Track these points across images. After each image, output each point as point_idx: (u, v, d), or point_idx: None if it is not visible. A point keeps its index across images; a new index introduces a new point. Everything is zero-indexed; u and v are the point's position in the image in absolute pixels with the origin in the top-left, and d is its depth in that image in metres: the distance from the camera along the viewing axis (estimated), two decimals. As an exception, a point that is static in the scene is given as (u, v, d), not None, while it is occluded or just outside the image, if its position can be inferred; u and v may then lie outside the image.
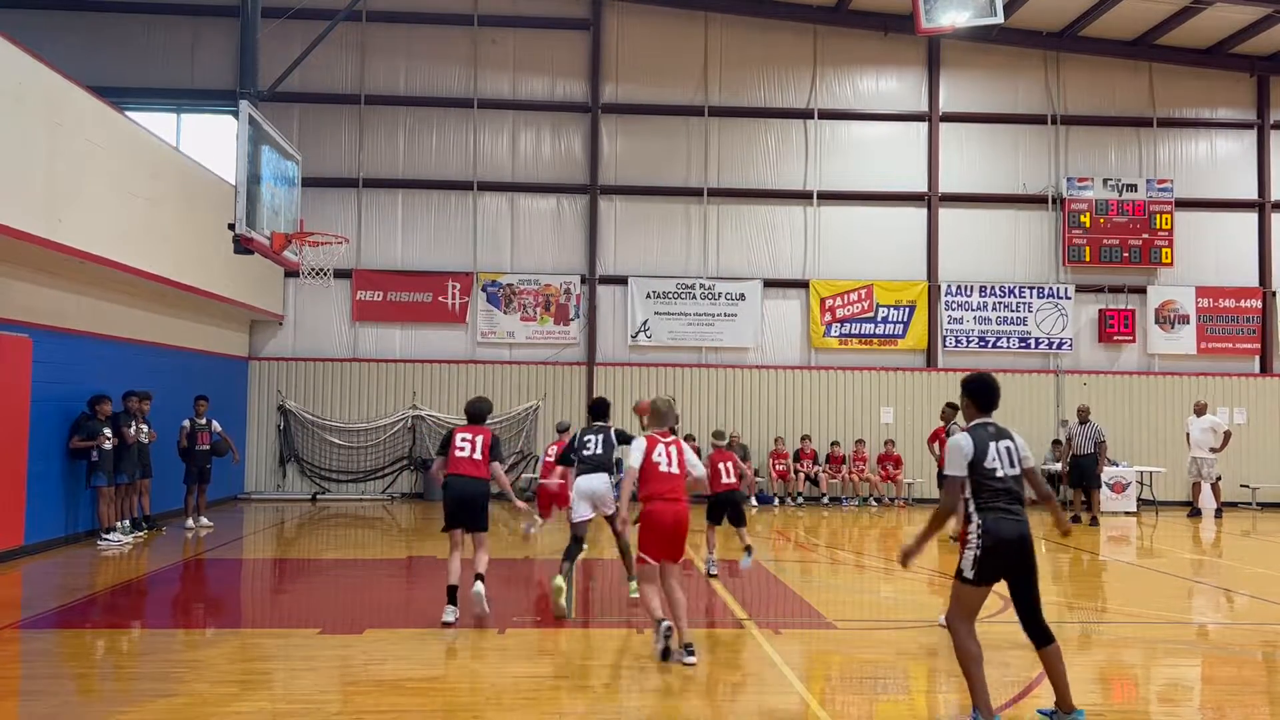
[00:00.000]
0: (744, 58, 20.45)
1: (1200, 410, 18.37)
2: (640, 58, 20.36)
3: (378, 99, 20.00)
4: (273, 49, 15.66)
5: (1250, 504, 19.35)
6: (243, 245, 11.62)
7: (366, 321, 19.74)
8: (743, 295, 20.09)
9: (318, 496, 19.06)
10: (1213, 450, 17.95)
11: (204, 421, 14.69)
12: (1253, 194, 20.79)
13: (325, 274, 14.02)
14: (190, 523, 14.50)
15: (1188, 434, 18.41)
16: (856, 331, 20.16)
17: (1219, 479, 18.15)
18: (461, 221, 20.05)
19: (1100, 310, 20.40)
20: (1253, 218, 20.79)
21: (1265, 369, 20.53)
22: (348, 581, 10.56)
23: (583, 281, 20.01)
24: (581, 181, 20.16)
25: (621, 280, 20.06)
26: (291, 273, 17.09)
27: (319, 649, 7.37)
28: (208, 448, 14.70)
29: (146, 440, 13.50)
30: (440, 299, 19.79)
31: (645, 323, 20.01)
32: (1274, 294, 20.58)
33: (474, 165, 20.11)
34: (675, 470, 7.09)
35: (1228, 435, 18.04)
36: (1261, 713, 6.26)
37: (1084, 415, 17.32)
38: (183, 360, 16.07)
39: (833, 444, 19.53)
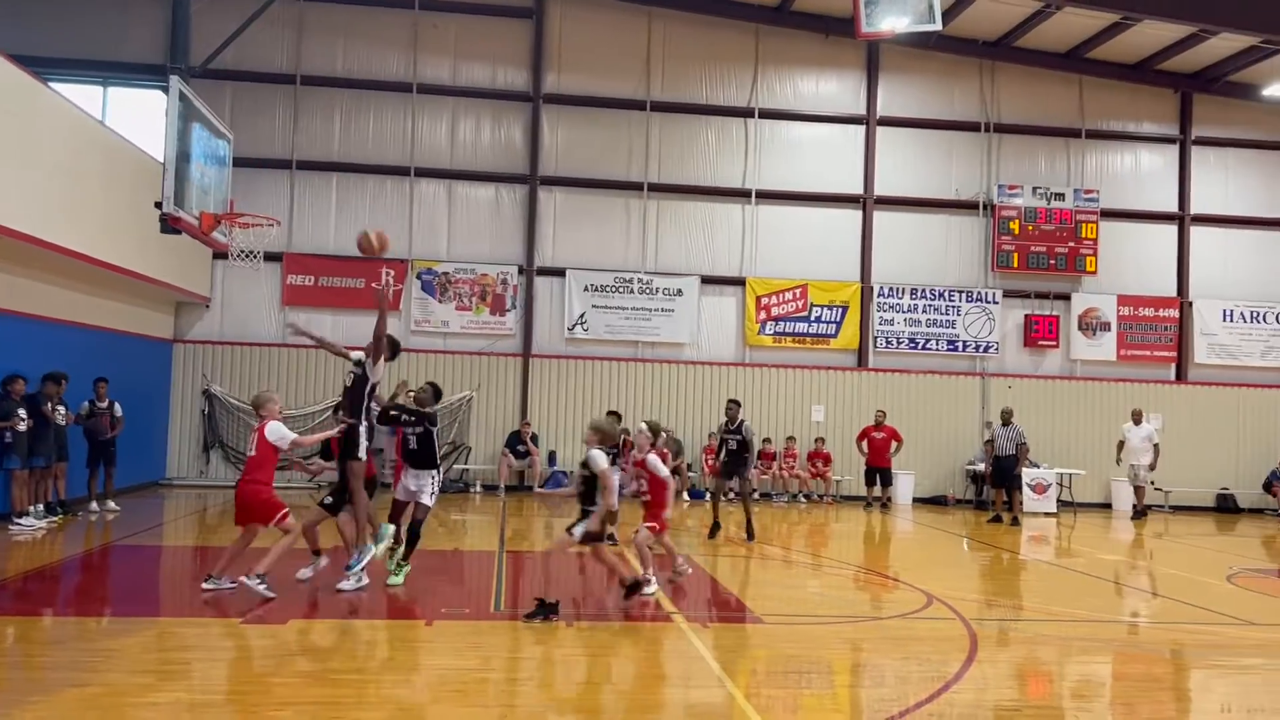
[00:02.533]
0: (686, 54, 20.50)
1: (1138, 419, 18.97)
2: (583, 49, 20.28)
3: (314, 80, 19.62)
4: (206, 24, 15.28)
5: (1163, 507, 20.00)
6: (170, 225, 11.33)
7: (297, 306, 19.37)
8: (680, 291, 20.16)
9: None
10: (1150, 467, 18.65)
11: (105, 404, 14.29)
12: (1173, 207, 21.47)
13: (255, 256, 13.72)
14: (95, 506, 14.10)
15: (1121, 441, 19.00)
16: (791, 330, 20.37)
17: (1150, 483, 18.86)
18: (397, 207, 19.79)
19: (1026, 315, 20.90)
20: (1173, 230, 21.47)
21: (1181, 377, 21.23)
22: (271, 572, 10.34)
23: (520, 272, 19.89)
24: (521, 171, 20.03)
25: (559, 272, 19.99)
26: (220, 254, 16.72)
27: (241, 639, 7.23)
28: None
29: (63, 423, 13.10)
30: (374, 285, 19.51)
31: (583, 315, 19.98)
32: (1190, 304, 21.28)
33: (412, 151, 19.85)
34: None
35: (1157, 449, 18.69)
36: (1169, 709, 6.49)
37: (1007, 418, 17.76)
38: (103, 341, 15.58)
39: (765, 440, 19.71)
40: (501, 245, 19.98)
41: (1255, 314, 21.37)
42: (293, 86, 19.51)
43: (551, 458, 19.58)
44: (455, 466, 19.01)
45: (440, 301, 19.70)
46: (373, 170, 19.73)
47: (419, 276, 19.67)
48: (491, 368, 19.67)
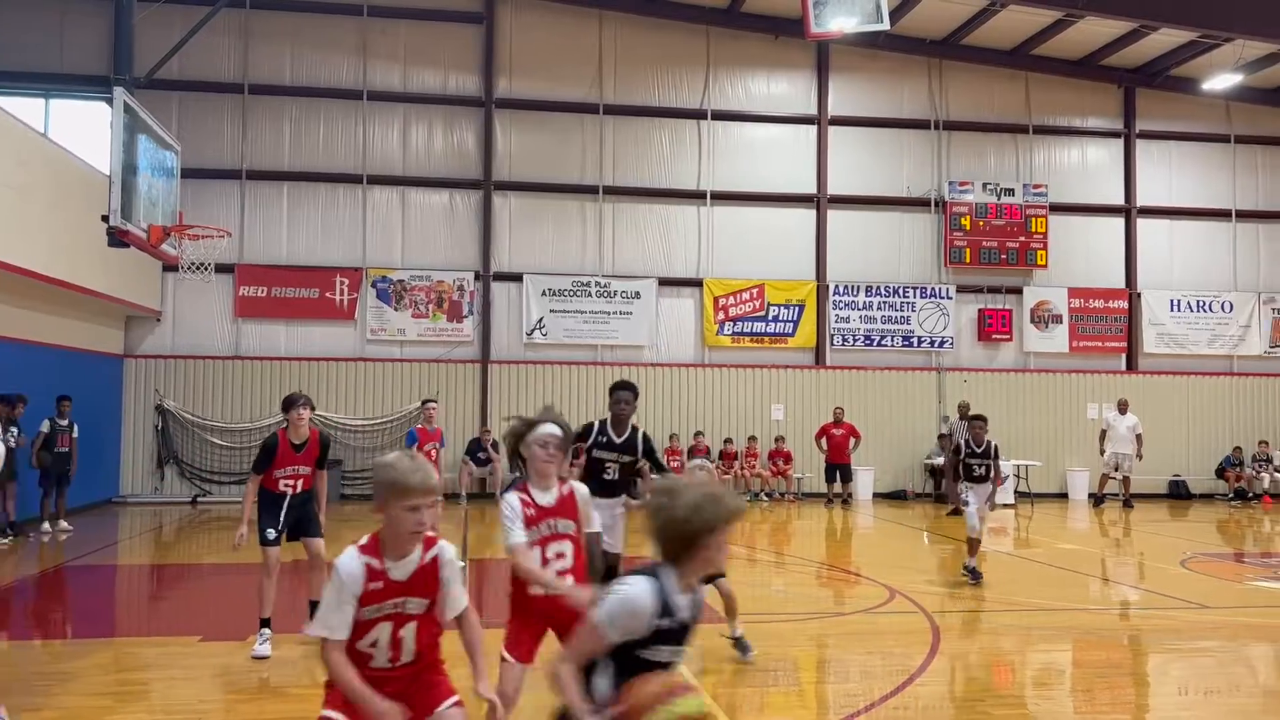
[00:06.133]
0: (638, 56, 20.54)
1: (1123, 408, 19.32)
2: (534, 53, 20.24)
3: (263, 88, 19.38)
4: (150, 34, 15.02)
5: (1118, 495, 20.34)
6: (118, 238, 11.12)
7: (250, 318, 19.11)
8: (638, 293, 20.18)
9: (198, 499, 18.37)
10: (1137, 456, 18.95)
11: (65, 423, 14.04)
12: (1120, 200, 21.87)
13: (206, 269, 13.52)
14: (47, 526, 13.81)
15: (1104, 430, 19.31)
16: (748, 330, 20.46)
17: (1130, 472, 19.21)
18: (350, 215, 19.60)
19: (979, 310, 21.17)
20: (1120, 222, 21.87)
21: (1131, 367, 21.62)
22: (230, 587, 10.20)
23: (476, 278, 19.79)
24: (475, 176, 19.93)
25: (516, 277, 19.92)
26: (170, 267, 16.44)
27: (200, 657, 7.11)
28: (67, 450, 14.06)
29: (14, 444, 12.81)
30: (328, 295, 19.31)
31: (541, 320, 19.92)
32: (1139, 295, 21.68)
33: (363, 158, 19.68)
34: None
35: (1140, 439, 19.04)
36: (1128, 693, 6.60)
37: (964, 411, 17.96)
38: (52, 358, 15.27)
39: (726, 440, 19.77)
40: (457, 251, 19.86)
41: (1201, 303, 21.82)
42: (241, 95, 19.26)
43: (513, 463, 19.45)
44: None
45: (396, 309, 19.55)
46: (324, 178, 19.53)
47: (374, 285, 19.50)
48: (450, 375, 19.54)
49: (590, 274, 20.09)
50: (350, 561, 3.40)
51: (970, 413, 14.46)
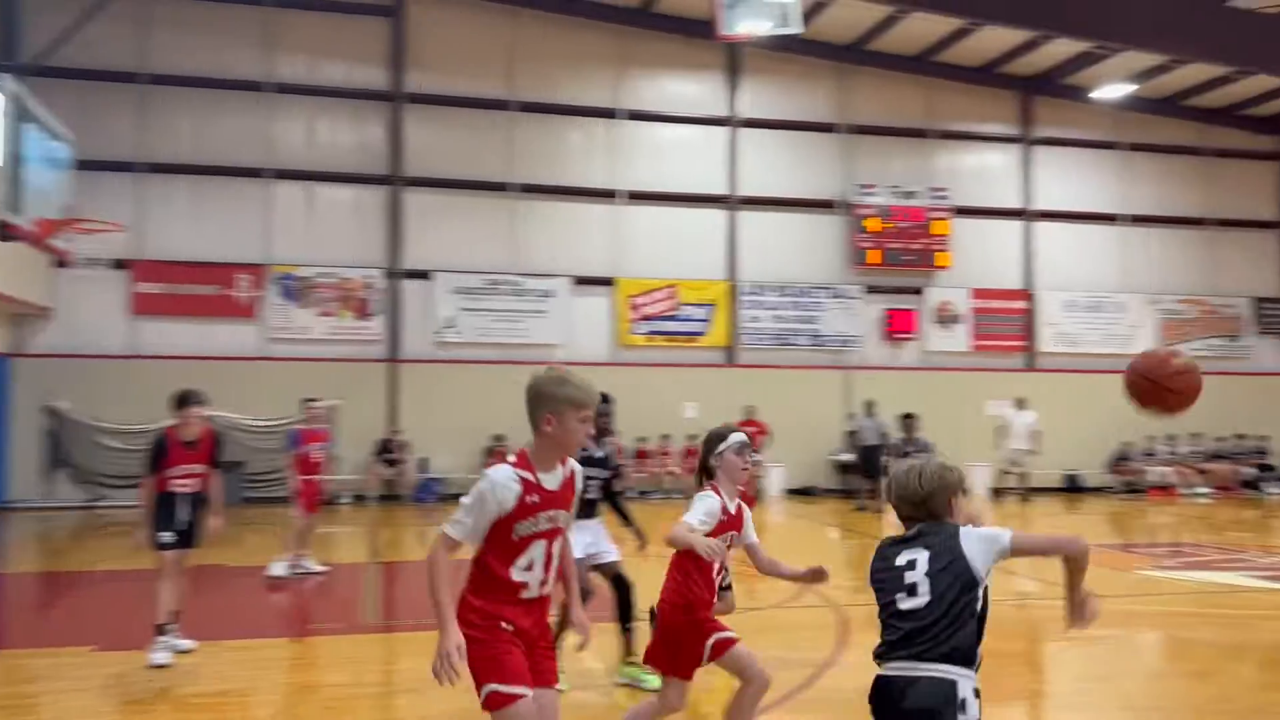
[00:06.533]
0: (551, 54, 20.45)
1: (1021, 405, 19.92)
2: (446, 49, 19.99)
3: (162, 78, 18.73)
4: (41, 19, 14.41)
5: (1017, 489, 20.99)
6: (5, 231, 10.63)
7: (148, 315, 18.45)
8: (551, 292, 20.10)
9: (94, 504, 17.66)
10: (1032, 452, 19.55)
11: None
12: (1018, 204, 22.61)
13: (100, 264, 13.01)
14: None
15: (1003, 426, 19.86)
16: (662, 329, 20.56)
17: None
18: (253, 211, 19.08)
19: (885, 310, 21.66)
20: (1018, 225, 22.61)
21: (1029, 365, 22.37)
22: (126, 594, 9.84)
23: (385, 275, 19.46)
24: (383, 172, 19.60)
25: (426, 275, 19.65)
26: (62, 262, 15.78)
27: (94, 667, 6.83)
28: None
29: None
30: (229, 292, 18.77)
31: (451, 319, 19.68)
32: (1036, 295, 22.44)
33: (268, 152, 19.18)
34: None
35: (1037, 435, 19.65)
36: (1024, 679, 6.83)
37: (870, 409, 18.36)
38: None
39: (639, 440, 19.83)
40: (364, 248, 19.50)
41: (1094, 304, 22.70)
42: (139, 85, 18.58)
43: (423, 465, 19.24)
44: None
45: (301, 307, 19.10)
46: (227, 172, 18.97)
47: (277, 282, 19.01)
48: (357, 375, 19.17)
49: (502, 272, 19.94)
50: (504, 472, 3.40)
51: (902, 413, 14.82)
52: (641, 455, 19.73)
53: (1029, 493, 19.76)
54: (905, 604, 3.17)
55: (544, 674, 3.46)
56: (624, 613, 6.33)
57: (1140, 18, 17.82)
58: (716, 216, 21.07)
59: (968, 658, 3.12)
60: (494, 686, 3.30)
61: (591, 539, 6.40)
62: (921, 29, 20.16)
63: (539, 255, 20.23)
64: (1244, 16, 17.88)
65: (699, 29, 19.91)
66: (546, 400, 3.44)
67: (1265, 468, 22.09)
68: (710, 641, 4.45)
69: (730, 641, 4.47)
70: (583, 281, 20.33)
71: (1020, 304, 22.34)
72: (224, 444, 7.49)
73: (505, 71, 20.24)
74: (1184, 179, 23.36)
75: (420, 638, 7.62)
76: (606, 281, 20.42)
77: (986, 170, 22.67)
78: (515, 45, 20.31)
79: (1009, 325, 22.28)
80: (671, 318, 20.59)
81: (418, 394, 19.39)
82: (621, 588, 6.37)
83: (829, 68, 21.63)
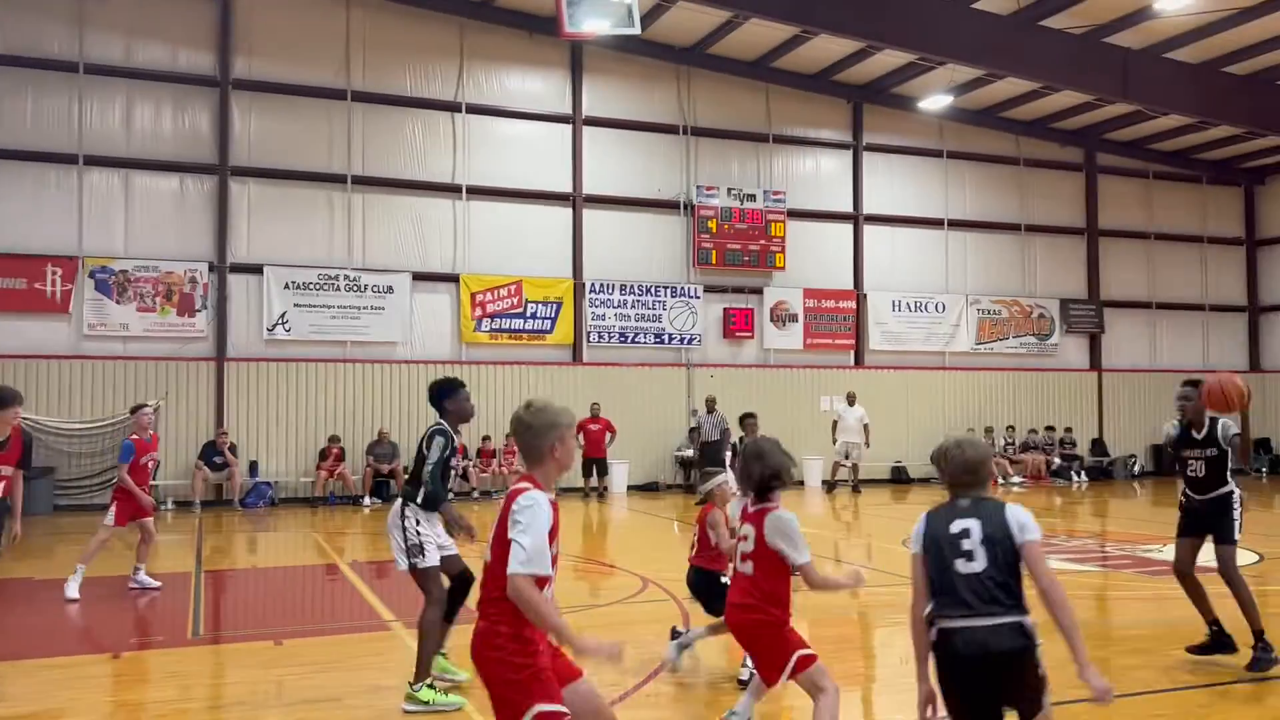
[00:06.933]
0: (389, 43, 19.94)
1: (852, 400, 20.72)
2: (277, 34, 19.20)
3: (-44, 53, 17.26)
4: None
5: (848, 481, 21.88)
6: None
7: (-59, 310, 16.97)
8: (391, 288, 19.61)
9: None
10: (866, 445, 20.40)
11: None
12: (849, 208, 23.54)
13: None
14: None
15: (835, 421, 20.64)
16: (507, 327, 20.38)
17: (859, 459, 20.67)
18: (64, 199, 17.82)
19: (725, 309, 22.16)
20: (849, 228, 23.54)
21: (858, 362, 23.34)
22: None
23: (211, 269, 18.53)
24: (210, 161, 18.66)
25: (256, 269, 18.83)
26: None
27: (-123, 697, 6.23)
28: None
29: None
30: (38, 286, 17.48)
31: (284, 315, 18.93)
32: (865, 296, 23.42)
33: (80, 137, 17.95)
34: None
35: (868, 428, 20.49)
36: (858, 666, 7.12)
37: (711, 405, 18.74)
38: None
39: (484, 438, 19.60)
40: (189, 240, 18.52)
41: (918, 304, 23.87)
42: (-72, 59, 17.06)
43: (253, 468, 18.44)
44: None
45: (119, 302, 17.97)
46: (34, 157, 17.66)
47: (92, 275, 17.83)
48: (181, 373, 18.19)
49: (339, 267, 19.32)
50: (543, 496, 3.54)
51: (742, 412, 15.18)
52: (485, 454, 19.51)
53: (859, 484, 20.60)
54: (964, 568, 3.67)
55: (567, 670, 3.65)
56: (456, 609, 6.26)
57: (960, 33, 18.85)
58: (561, 214, 21.05)
59: (1023, 604, 3.62)
60: (541, 707, 3.45)
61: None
62: (758, 35, 20.70)
63: (378, 250, 19.70)
64: (1055, 35, 19.17)
65: (543, 25, 19.84)
66: (549, 431, 3.62)
67: (1070, 458, 23.78)
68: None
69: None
70: (424, 278, 19.92)
71: (849, 304, 23.26)
72: (32, 445, 6.95)
73: (341, 60, 19.60)
74: (1001, 187, 24.88)
75: (250, 649, 7.30)
76: (450, 278, 20.09)
77: (820, 175, 23.50)
78: (352, 33, 19.69)
79: (839, 324, 23.17)
80: (517, 315, 20.44)
81: (247, 393, 18.57)
82: (468, 582, 6.30)
83: (671, 70, 21.93)
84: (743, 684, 5.96)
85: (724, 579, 6.03)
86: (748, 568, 4.68)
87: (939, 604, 3.71)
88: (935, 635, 3.69)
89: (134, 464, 9.54)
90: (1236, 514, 6.55)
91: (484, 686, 3.74)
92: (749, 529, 4.69)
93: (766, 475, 4.67)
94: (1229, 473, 6.59)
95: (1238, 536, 6.60)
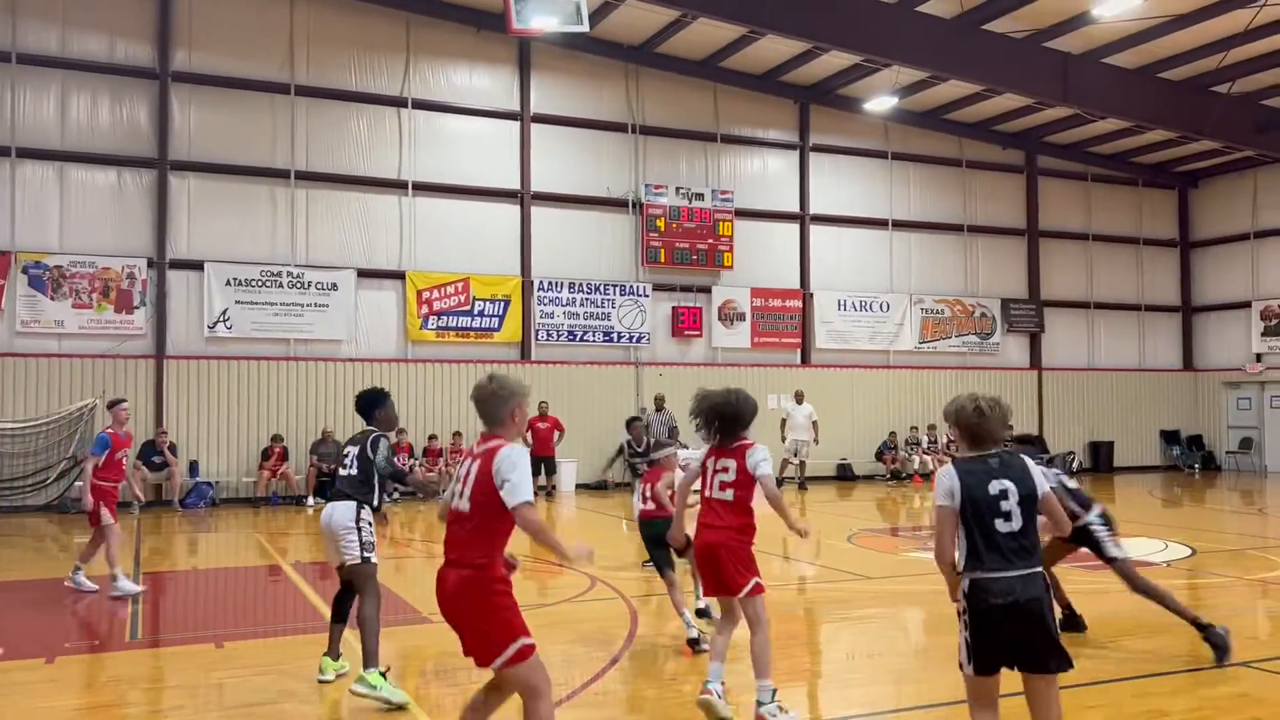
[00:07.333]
0: (334, 37, 19.67)
1: (800, 398, 20.96)
2: (219, 26, 18.83)
3: (-120, 40, 16.69)
4: None
5: (795, 478, 22.07)
6: None
7: None
8: (335, 285, 19.35)
9: None
10: (815, 442, 20.72)
11: None
12: (795, 208, 23.73)
13: None
14: None
15: (784, 419, 20.82)
16: (454, 324, 20.22)
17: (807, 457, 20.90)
18: (-4, 192, 17.31)
19: (674, 307, 22.20)
20: (795, 228, 23.73)
21: (805, 360, 23.54)
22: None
23: (150, 265, 18.14)
24: (149, 154, 18.25)
25: (197, 265, 18.46)
26: None
27: None
28: None
29: None
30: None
31: (225, 312, 18.58)
32: (811, 295, 23.63)
33: (12, 129, 17.45)
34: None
35: (816, 425, 20.79)
36: (804, 661, 7.18)
37: (660, 403, 18.75)
38: None
39: (430, 437, 19.44)
40: (127, 236, 18.10)
41: (863, 303, 24.14)
42: None
43: (193, 468, 18.09)
44: (77, 485, 16.98)
45: (53, 299, 17.51)
46: (-38, 148, 17.14)
47: (25, 271, 17.35)
48: (119, 372, 17.77)
49: (282, 263, 19.02)
50: (517, 445, 4.28)
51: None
52: (431, 454, 19.34)
53: (805, 481, 20.79)
54: (1004, 528, 4.06)
55: None
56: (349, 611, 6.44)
57: (905, 35, 19.08)
58: (509, 211, 20.93)
59: (1041, 555, 4.15)
60: (525, 640, 4.06)
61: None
62: (706, 35, 20.76)
63: (322, 246, 19.43)
64: (997, 39, 19.49)
65: (490, 21, 19.69)
66: (511, 399, 4.36)
67: (1011, 454, 24.19)
68: None
69: None
70: (370, 274, 19.69)
71: (796, 303, 23.44)
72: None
73: (285, 52, 19.28)
74: (944, 188, 25.24)
75: (190, 652, 7.16)
76: (395, 275, 19.87)
77: (768, 175, 23.64)
78: (296, 26, 19.38)
79: (786, 323, 23.35)
80: (464, 313, 20.29)
81: (187, 392, 18.21)
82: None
83: (619, 68, 21.91)
84: (696, 632, 7.02)
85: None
86: (728, 495, 5.76)
87: (975, 559, 4.07)
88: (968, 585, 4.06)
89: (109, 459, 9.46)
90: (1104, 534, 7.05)
91: (455, 629, 4.13)
92: (729, 462, 5.79)
93: (711, 407, 6.17)
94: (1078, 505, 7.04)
95: (1115, 552, 7.04)
